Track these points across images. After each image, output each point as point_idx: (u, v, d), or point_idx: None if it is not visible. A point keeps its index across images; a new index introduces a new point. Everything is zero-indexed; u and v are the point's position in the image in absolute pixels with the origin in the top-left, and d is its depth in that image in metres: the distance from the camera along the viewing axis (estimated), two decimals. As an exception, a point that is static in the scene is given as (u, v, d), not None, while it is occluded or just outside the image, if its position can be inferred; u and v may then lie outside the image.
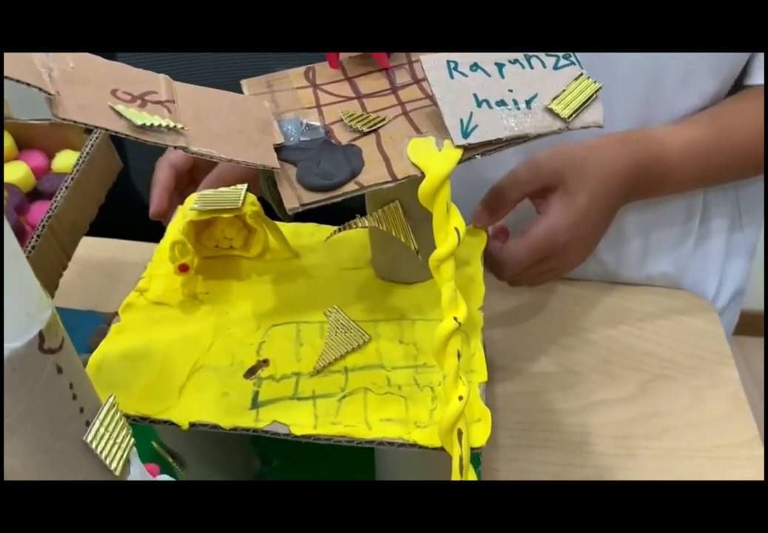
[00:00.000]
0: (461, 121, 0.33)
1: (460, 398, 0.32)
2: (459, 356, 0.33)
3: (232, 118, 0.34)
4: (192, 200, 0.44)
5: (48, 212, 0.41)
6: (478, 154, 0.33)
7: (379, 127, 0.36)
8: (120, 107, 0.29)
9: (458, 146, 0.33)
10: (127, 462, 0.29)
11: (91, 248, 0.46)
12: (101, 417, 0.27)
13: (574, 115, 0.35)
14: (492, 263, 0.47)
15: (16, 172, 0.46)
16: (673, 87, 0.52)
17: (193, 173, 0.56)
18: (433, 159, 0.32)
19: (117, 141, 0.48)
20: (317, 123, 0.36)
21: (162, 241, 0.46)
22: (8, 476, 0.26)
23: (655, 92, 0.52)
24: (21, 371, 0.24)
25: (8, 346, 0.23)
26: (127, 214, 0.58)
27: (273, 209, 0.48)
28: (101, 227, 0.49)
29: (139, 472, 0.30)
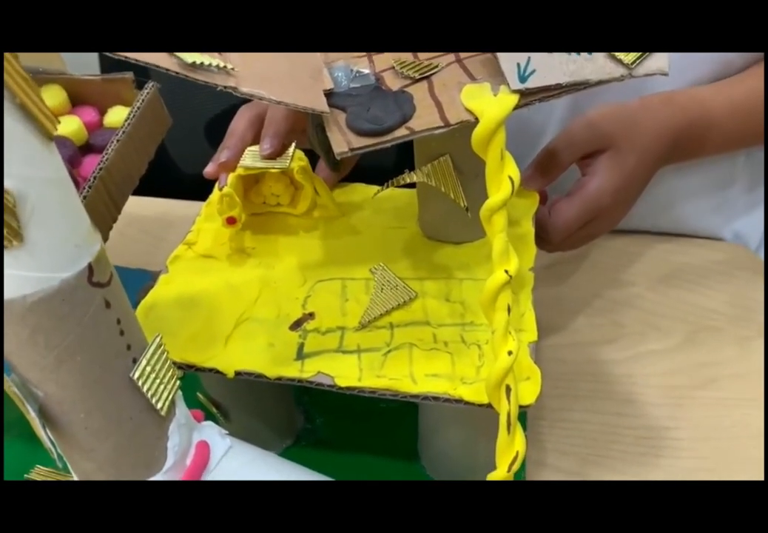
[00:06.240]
0: (518, 65, 0.32)
1: (510, 353, 0.31)
2: (509, 310, 0.32)
3: (282, 63, 0.33)
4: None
5: (99, 164, 0.42)
6: (535, 100, 0.32)
7: (431, 74, 0.34)
8: (170, 46, 0.28)
9: (515, 91, 0.31)
10: (173, 402, 0.29)
11: (133, 207, 0.46)
12: (148, 355, 0.27)
13: (637, 62, 0.33)
14: (539, 229, 0.46)
15: (69, 125, 0.46)
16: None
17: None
18: (487, 104, 0.31)
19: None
20: (367, 70, 0.35)
21: (211, 196, 0.46)
22: (57, 410, 0.26)
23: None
24: (71, 302, 0.24)
25: (58, 276, 0.23)
26: (160, 175, 0.57)
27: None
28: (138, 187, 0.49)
29: (184, 414, 0.30)
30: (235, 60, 0.30)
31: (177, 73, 0.28)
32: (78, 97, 0.49)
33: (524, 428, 0.32)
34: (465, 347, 0.36)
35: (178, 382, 0.29)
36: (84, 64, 0.51)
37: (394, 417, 0.44)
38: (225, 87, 0.29)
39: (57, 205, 0.23)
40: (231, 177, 0.43)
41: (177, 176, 0.74)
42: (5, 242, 0.22)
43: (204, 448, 0.30)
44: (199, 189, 0.49)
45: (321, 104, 0.31)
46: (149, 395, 0.27)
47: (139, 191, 0.47)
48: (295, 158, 0.43)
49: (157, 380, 0.28)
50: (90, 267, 0.24)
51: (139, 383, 0.27)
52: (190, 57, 0.28)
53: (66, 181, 0.24)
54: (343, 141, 0.31)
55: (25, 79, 0.22)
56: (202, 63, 0.28)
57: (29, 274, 0.23)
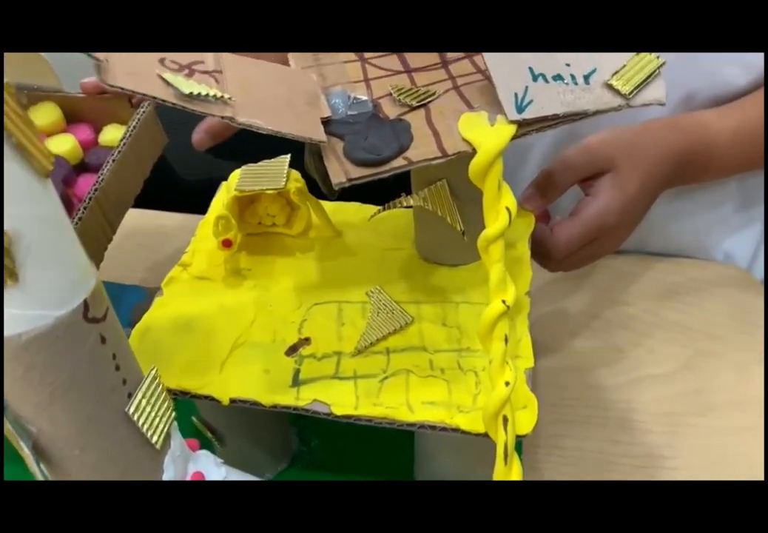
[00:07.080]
0: (515, 95, 0.32)
1: (507, 383, 0.31)
2: (506, 340, 0.32)
3: (280, 90, 0.33)
4: (236, 176, 0.43)
5: (94, 185, 0.41)
6: (532, 130, 0.32)
7: (428, 102, 0.34)
8: (168, 75, 0.28)
9: (512, 121, 0.31)
10: (168, 435, 0.29)
11: (129, 219, 0.45)
12: (143, 389, 0.27)
13: (635, 92, 0.33)
14: (540, 247, 0.46)
15: (64, 144, 0.46)
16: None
17: None
18: (485, 134, 0.31)
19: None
20: (365, 97, 0.35)
21: (206, 215, 0.46)
22: (51, 447, 0.26)
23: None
24: (66, 339, 0.23)
25: (53, 314, 0.23)
26: (159, 188, 0.57)
27: (316, 186, 0.48)
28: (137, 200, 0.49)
29: (179, 446, 0.30)
30: (232, 89, 0.30)
31: (174, 104, 0.28)
32: (73, 115, 0.49)
33: (520, 454, 0.32)
34: (461, 374, 0.36)
35: (173, 414, 0.29)
36: (78, 81, 0.50)
37: (389, 441, 0.43)
38: (222, 117, 0.29)
39: (53, 242, 0.23)
40: (227, 198, 0.42)
41: (174, 187, 0.74)
42: None
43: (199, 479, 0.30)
44: (196, 201, 0.49)
45: (318, 133, 0.31)
46: (144, 429, 0.27)
47: (136, 203, 0.47)
48: (292, 179, 0.43)
49: (153, 413, 0.28)
50: (86, 303, 0.24)
51: (135, 417, 0.26)
52: (187, 87, 0.28)
53: (62, 216, 0.24)
54: (340, 171, 0.31)
55: (21, 117, 0.21)
56: (199, 93, 0.28)
57: (24, 312, 0.22)
